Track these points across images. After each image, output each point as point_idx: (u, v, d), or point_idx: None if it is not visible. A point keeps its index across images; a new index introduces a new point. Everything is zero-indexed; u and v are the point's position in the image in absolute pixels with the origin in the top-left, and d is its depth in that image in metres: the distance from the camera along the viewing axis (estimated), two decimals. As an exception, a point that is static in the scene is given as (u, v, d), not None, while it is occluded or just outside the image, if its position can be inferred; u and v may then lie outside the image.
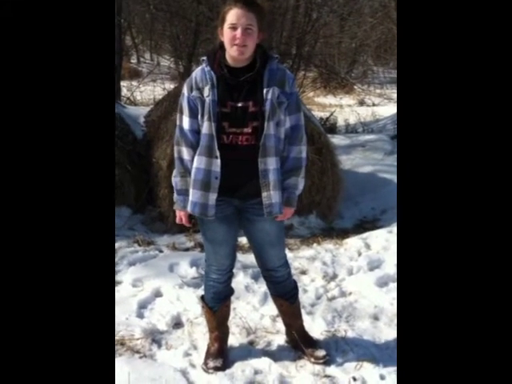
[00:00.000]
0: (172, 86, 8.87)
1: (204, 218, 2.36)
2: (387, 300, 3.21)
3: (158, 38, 15.43)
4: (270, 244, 2.47)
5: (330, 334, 2.83)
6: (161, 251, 4.11)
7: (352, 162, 6.18)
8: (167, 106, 5.23)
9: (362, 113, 10.02)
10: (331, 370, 2.52)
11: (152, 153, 4.80)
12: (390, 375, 2.46)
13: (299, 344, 2.63)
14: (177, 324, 2.98)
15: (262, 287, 3.32)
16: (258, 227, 2.42)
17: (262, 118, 2.23)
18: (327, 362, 2.56)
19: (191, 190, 2.33)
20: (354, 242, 4.20)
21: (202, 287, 3.28)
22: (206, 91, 2.24)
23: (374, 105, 12.17)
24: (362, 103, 12.64)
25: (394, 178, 5.51)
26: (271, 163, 2.28)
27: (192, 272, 3.56)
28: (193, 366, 2.59)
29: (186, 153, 2.34)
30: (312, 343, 2.65)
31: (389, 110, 10.43)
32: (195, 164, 2.31)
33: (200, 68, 2.31)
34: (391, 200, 5.06)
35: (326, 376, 2.49)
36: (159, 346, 2.77)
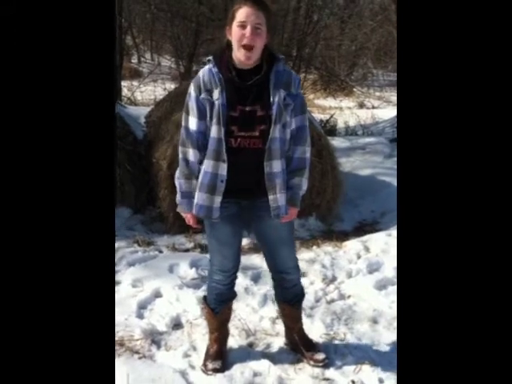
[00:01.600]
0: (173, 86, 8.89)
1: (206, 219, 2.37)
2: (386, 303, 3.20)
3: (158, 38, 15.44)
4: (282, 242, 2.46)
5: (328, 337, 2.83)
6: (160, 252, 4.10)
7: (352, 165, 6.19)
8: (168, 107, 5.23)
9: (361, 115, 10.01)
10: (330, 372, 2.52)
11: (152, 153, 4.79)
12: (389, 378, 2.46)
13: (299, 346, 2.63)
14: (176, 325, 2.97)
15: (261, 289, 3.33)
16: (269, 224, 2.39)
17: (269, 121, 2.23)
18: (326, 364, 2.56)
19: (197, 193, 2.32)
20: (353, 245, 4.19)
21: (202, 288, 3.30)
22: (216, 94, 2.22)
23: (373, 107, 12.17)
24: (361, 106, 12.65)
25: (393, 180, 5.51)
26: (276, 166, 2.28)
27: (192, 273, 3.56)
28: (192, 367, 2.58)
29: (191, 154, 2.32)
30: (312, 346, 2.65)
31: (388, 112, 10.43)
32: (203, 167, 2.30)
33: (207, 68, 2.27)
34: (391, 203, 5.05)
35: (325, 379, 2.49)
36: (158, 346, 2.77)
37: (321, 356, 2.58)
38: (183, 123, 2.33)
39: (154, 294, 3.28)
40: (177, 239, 4.34)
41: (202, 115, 2.26)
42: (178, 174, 2.40)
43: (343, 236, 4.54)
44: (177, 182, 2.40)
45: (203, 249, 4.11)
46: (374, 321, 3.03)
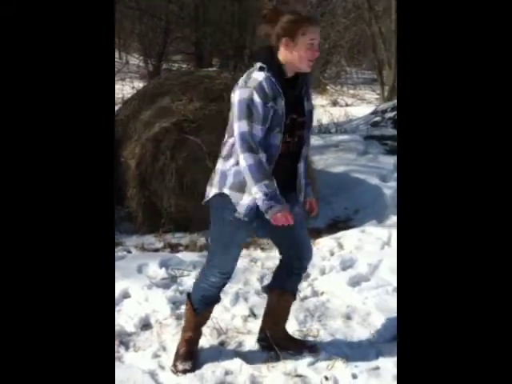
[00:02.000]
0: (141, 85, 8.77)
1: (240, 219, 2.34)
2: (359, 299, 3.19)
3: (126, 36, 15.27)
4: (303, 227, 2.57)
5: (302, 334, 2.80)
6: (129, 252, 4.02)
7: (325, 162, 6.17)
8: (136, 105, 5.13)
9: (334, 113, 10.01)
10: (303, 369, 2.49)
11: (120, 152, 4.69)
12: (362, 374, 2.44)
13: (272, 345, 2.60)
14: (145, 325, 2.91)
15: (233, 287, 3.27)
16: (295, 211, 2.43)
17: (303, 127, 2.39)
18: (299, 361, 2.53)
19: (245, 195, 2.31)
20: (326, 242, 4.17)
21: (172, 288, 3.26)
22: (281, 103, 2.27)
23: (347, 105, 12.21)
24: (334, 104, 12.67)
25: (366, 178, 5.53)
26: (303, 166, 2.47)
27: (161, 273, 3.49)
28: (162, 367, 2.53)
29: (263, 159, 2.27)
30: (296, 340, 2.70)
31: (362, 110, 10.46)
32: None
33: (266, 76, 2.26)
34: (364, 200, 5.07)
35: (298, 376, 2.46)
36: (127, 348, 2.71)
37: (312, 343, 2.67)
38: (246, 129, 2.24)
39: (122, 294, 3.20)
40: (146, 239, 4.26)
41: (266, 122, 2.28)
42: (253, 180, 2.25)
43: (316, 233, 4.49)
44: (259, 187, 2.24)
45: (173, 248, 4.06)
46: (348, 317, 3.02)
